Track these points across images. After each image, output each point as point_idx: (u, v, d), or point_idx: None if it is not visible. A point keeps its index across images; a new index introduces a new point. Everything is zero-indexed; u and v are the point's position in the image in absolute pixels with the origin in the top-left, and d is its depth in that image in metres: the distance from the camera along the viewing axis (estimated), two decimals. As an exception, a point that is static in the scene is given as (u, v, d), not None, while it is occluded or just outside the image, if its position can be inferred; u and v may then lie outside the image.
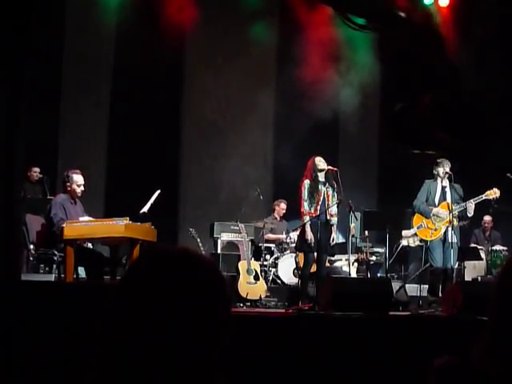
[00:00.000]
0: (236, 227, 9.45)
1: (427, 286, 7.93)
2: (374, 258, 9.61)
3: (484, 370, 1.47)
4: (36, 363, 4.43)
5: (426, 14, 8.05)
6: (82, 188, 7.09)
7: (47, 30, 8.57)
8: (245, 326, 4.92)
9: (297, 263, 8.90)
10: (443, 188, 7.95)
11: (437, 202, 7.95)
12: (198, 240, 9.43)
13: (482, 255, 9.35)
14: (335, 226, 7.79)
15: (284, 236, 9.77)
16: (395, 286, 7.71)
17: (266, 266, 9.20)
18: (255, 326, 5.16)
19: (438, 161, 7.97)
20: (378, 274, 9.69)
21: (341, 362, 5.05)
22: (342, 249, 8.87)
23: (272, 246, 9.75)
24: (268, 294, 8.44)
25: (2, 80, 5.59)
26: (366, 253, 9.37)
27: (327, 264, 8.34)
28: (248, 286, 8.33)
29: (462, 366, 1.51)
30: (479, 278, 9.28)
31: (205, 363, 1.14)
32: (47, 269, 7.91)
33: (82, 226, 6.68)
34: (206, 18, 10.40)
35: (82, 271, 7.08)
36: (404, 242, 8.85)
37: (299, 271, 8.40)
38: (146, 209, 7.93)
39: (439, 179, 7.95)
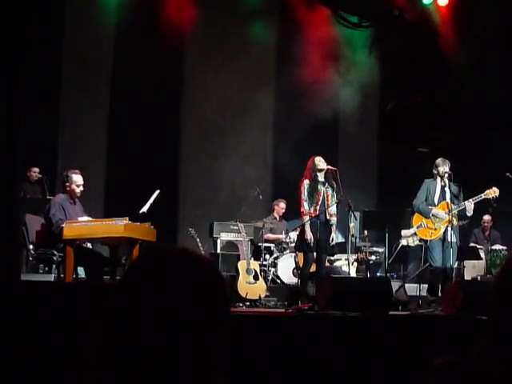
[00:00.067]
0: (235, 227, 9.46)
1: (427, 286, 7.93)
2: (373, 257, 9.61)
3: (484, 370, 1.47)
4: (36, 363, 4.44)
5: (420, 12, 8.06)
6: (82, 188, 7.09)
7: (47, 29, 8.57)
8: (244, 325, 4.93)
9: (296, 263, 8.90)
10: (443, 187, 7.95)
11: (436, 201, 7.95)
12: (198, 240, 9.43)
13: (482, 255, 9.35)
14: (334, 226, 7.79)
15: (283, 236, 9.77)
16: (395, 285, 7.71)
17: (265, 265, 9.21)
18: (255, 326, 5.16)
19: (438, 160, 7.97)
20: (378, 274, 9.69)
21: (340, 361, 5.05)
22: (341, 248, 8.88)
23: (271, 245, 9.75)
24: (267, 294, 8.44)
25: (1, 80, 5.59)
26: (366, 252, 9.37)
27: (327, 264, 8.34)
28: (247, 285, 8.33)
29: (462, 366, 1.51)
30: (479, 278, 9.28)
31: (205, 363, 1.14)
32: (47, 269, 7.91)
33: (82, 226, 6.68)
34: (206, 18, 10.40)
35: (81, 271, 7.08)
36: (403, 242, 8.85)
37: (299, 271, 8.40)
38: (145, 209, 7.93)
39: (439, 179, 7.95)
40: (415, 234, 8.25)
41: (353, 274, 8.95)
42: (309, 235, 7.52)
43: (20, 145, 5.72)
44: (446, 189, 7.89)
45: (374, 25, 8.04)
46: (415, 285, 8.27)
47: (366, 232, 9.62)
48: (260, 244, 9.49)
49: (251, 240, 9.41)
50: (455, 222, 7.81)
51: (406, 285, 8.34)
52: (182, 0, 10.12)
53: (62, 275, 6.73)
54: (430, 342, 5.07)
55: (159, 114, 10.65)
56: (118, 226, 6.56)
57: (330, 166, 7.71)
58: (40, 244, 7.14)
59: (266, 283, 8.73)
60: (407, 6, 7.75)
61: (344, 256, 9.15)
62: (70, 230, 6.51)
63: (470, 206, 7.80)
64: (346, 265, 8.98)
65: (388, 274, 8.60)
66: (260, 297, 8.24)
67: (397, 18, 7.77)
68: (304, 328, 5.26)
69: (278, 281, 9.21)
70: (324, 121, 10.38)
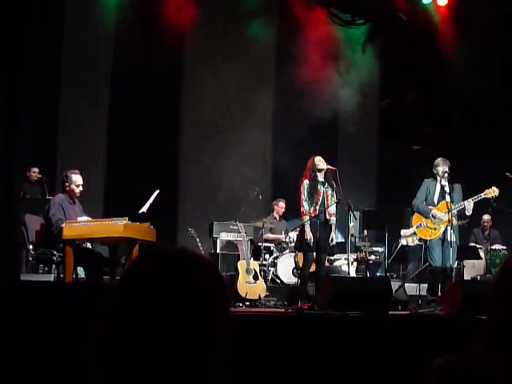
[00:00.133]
0: (235, 227, 9.46)
1: (426, 285, 7.93)
2: (373, 257, 9.61)
3: (483, 369, 1.47)
4: (36, 363, 4.43)
5: (417, 11, 8.06)
6: (81, 188, 7.09)
7: (47, 30, 8.57)
8: (244, 325, 4.92)
9: (296, 263, 8.90)
10: (442, 187, 7.95)
11: (436, 201, 7.95)
12: (197, 240, 9.43)
13: (481, 254, 9.35)
14: (334, 226, 7.78)
15: (283, 236, 9.77)
16: (394, 285, 7.72)
17: (265, 265, 9.21)
18: (254, 326, 5.16)
19: (438, 160, 7.97)
20: (378, 274, 9.70)
21: (340, 361, 5.05)
22: (341, 248, 8.87)
23: (271, 245, 9.75)
24: (267, 294, 8.44)
25: (1, 80, 5.59)
26: (366, 252, 9.37)
27: (326, 263, 8.34)
28: (247, 285, 8.33)
29: (462, 365, 1.51)
30: (478, 277, 9.28)
31: (205, 363, 1.14)
32: (46, 269, 7.91)
33: (81, 226, 6.68)
34: (205, 18, 10.40)
35: (81, 271, 7.08)
36: (403, 242, 8.85)
37: (298, 271, 8.40)
38: (145, 209, 7.93)
39: (438, 178, 7.95)
40: (415, 233, 8.25)
41: (352, 273, 8.95)
42: (308, 235, 7.52)
43: (20, 145, 5.72)
44: (446, 188, 7.89)
45: (367, 22, 8.05)
46: (415, 284, 8.27)
47: (365, 232, 9.62)
48: (260, 244, 9.49)
49: (251, 240, 9.41)
50: (455, 221, 7.81)
51: (406, 284, 8.33)
52: (182, 0, 10.11)
53: (61, 275, 6.73)
54: (429, 341, 5.07)
55: (159, 113, 10.65)
56: (117, 226, 6.56)
57: (329, 166, 7.71)
58: (40, 244, 7.13)
59: (266, 283, 8.73)
60: (404, 5, 7.75)
61: (344, 256, 9.16)
62: (70, 230, 6.51)
63: (469, 205, 7.79)
64: (345, 264, 8.98)
65: (388, 274, 8.60)
66: (260, 297, 8.24)
67: (392, 16, 7.78)
68: (304, 328, 5.26)
69: (278, 281, 9.21)
70: (323, 120, 10.38)
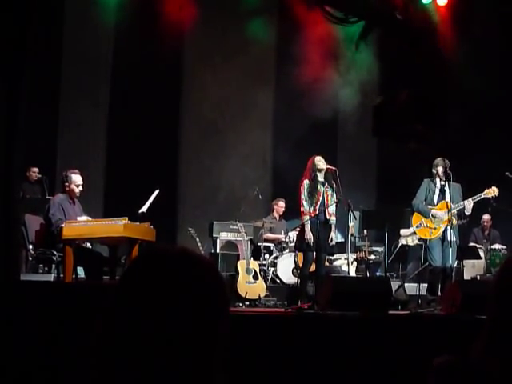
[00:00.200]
0: (235, 227, 9.46)
1: (426, 285, 7.93)
2: (373, 257, 9.62)
3: (483, 369, 1.47)
4: (36, 363, 4.44)
5: (413, 10, 8.05)
6: (81, 188, 7.09)
7: (47, 29, 8.57)
8: (244, 325, 4.92)
9: (296, 262, 8.90)
10: (442, 187, 7.95)
11: (435, 200, 7.95)
12: (197, 239, 9.43)
13: (481, 254, 9.35)
14: (334, 226, 7.78)
15: (283, 235, 9.77)
16: (394, 284, 7.72)
17: (265, 265, 9.21)
18: (254, 326, 5.16)
19: (437, 160, 7.97)
20: (377, 273, 9.70)
21: (340, 361, 5.05)
22: (341, 248, 8.88)
23: (271, 245, 9.75)
24: (267, 294, 8.44)
25: (1, 80, 5.59)
26: (365, 252, 9.37)
27: (326, 263, 8.34)
28: (247, 285, 8.33)
29: (462, 365, 1.51)
30: (478, 277, 9.28)
31: (204, 363, 1.14)
32: (46, 269, 7.91)
33: (81, 225, 6.68)
34: (205, 18, 10.39)
35: (81, 271, 7.08)
36: (402, 241, 8.86)
37: (298, 270, 8.40)
38: (144, 208, 7.92)
39: (438, 178, 7.95)
40: (414, 233, 8.26)
41: (352, 273, 8.95)
42: (308, 235, 7.52)
43: (19, 145, 5.71)
44: (446, 188, 7.89)
45: (360, 20, 8.04)
46: (415, 284, 8.27)
47: (365, 231, 9.62)
48: (259, 244, 9.49)
49: (251, 240, 9.42)
50: (454, 221, 7.81)
51: (406, 284, 8.34)
52: (182, -1, 10.12)
53: (61, 275, 6.73)
54: (429, 341, 5.07)
55: (159, 113, 10.65)
56: (117, 226, 6.56)
57: (329, 166, 7.71)
58: (39, 244, 7.13)
59: (266, 283, 8.73)
60: (401, 4, 7.74)
61: (343, 255, 9.16)
62: (70, 230, 6.51)
63: (469, 205, 7.80)
64: (345, 264, 8.99)
65: (387, 274, 8.60)
66: (260, 296, 8.25)
67: (387, 15, 7.78)
68: (304, 328, 5.26)
69: (278, 280, 9.21)
70: (323, 120, 10.38)
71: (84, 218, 6.99)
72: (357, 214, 8.47)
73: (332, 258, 9.18)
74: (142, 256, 1.23)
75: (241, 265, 8.53)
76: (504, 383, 1.47)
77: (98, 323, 1.16)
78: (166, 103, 10.92)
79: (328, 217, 7.64)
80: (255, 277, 8.45)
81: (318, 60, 10.00)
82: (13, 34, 5.64)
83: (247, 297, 8.21)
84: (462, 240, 8.46)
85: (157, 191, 8.07)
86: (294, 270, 8.96)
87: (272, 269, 9.27)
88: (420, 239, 8.43)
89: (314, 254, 7.57)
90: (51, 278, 7.24)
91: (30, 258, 7.44)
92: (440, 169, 7.89)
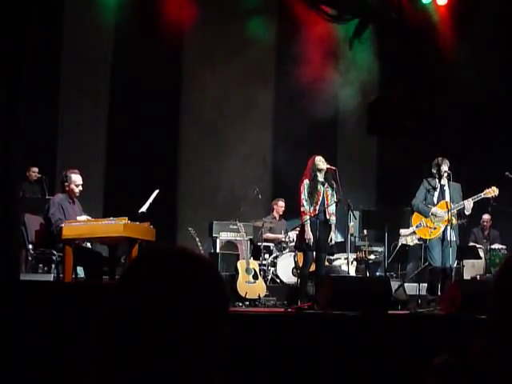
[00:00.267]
0: (235, 226, 9.46)
1: (426, 285, 7.93)
2: (372, 256, 9.61)
3: (483, 369, 1.47)
4: (35, 363, 4.44)
5: (414, 10, 8.06)
6: (81, 188, 7.09)
7: (46, 29, 8.57)
8: (244, 325, 4.92)
9: (296, 262, 8.90)
10: (442, 187, 7.95)
11: (435, 200, 7.95)
12: (197, 239, 9.43)
13: (481, 254, 9.35)
14: (334, 226, 7.78)
15: (283, 235, 9.77)
16: (394, 284, 7.72)
17: (264, 265, 9.21)
18: (254, 326, 5.16)
19: (437, 159, 7.97)
20: (377, 273, 9.70)
21: (340, 360, 5.05)
22: (341, 248, 8.88)
23: (271, 245, 9.75)
24: (267, 294, 8.44)
25: (0, 79, 5.59)
26: (365, 252, 9.37)
27: (326, 263, 8.34)
28: (247, 285, 8.33)
29: (461, 365, 1.51)
30: (478, 277, 9.28)
31: (204, 363, 1.14)
32: (46, 268, 7.91)
33: (81, 225, 6.68)
34: (205, 17, 10.39)
35: (80, 271, 7.08)
36: (402, 241, 8.86)
37: (298, 270, 8.40)
38: (144, 208, 7.92)
39: (438, 178, 7.95)
40: (414, 233, 8.26)
41: (352, 273, 8.95)
42: (308, 235, 7.52)
43: (19, 144, 5.72)
44: (446, 188, 7.89)
45: (354, 18, 8.05)
46: (415, 284, 8.27)
47: (365, 231, 9.62)
48: (259, 243, 9.49)
49: (250, 239, 9.42)
50: (454, 221, 7.81)
51: (406, 284, 8.34)
52: (181, -1, 10.11)
53: (61, 275, 6.73)
54: (429, 341, 5.07)
55: (158, 113, 10.65)
56: (117, 226, 6.56)
57: (329, 166, 7.71)
58: (39, 244, 7.13)
59: (266, 283, 8.73)
60: (399, 3, 7.74)
61: (343, 255, 9.16)
62: (70, 230, 6.51)
63: (469, 204, 7.80)
64: (345, 264, 8.98)
65: (387, 274, 8.60)
66: (259, 296, 8.25)
67: (382, 13, 7.78)
68: (304, 327, 5.26)
69: (278, 280, 9.21)
70: (323, 120, 10.37)
71: (84, 217, 6.99)
72: (357, 213, 8.47)
73: (332, 257, 9.18)
74: (142, 256, 1.23)
75: (241, 265, 8.53)
76: (504, 383, 1.47)
77: (98, 323, 1.15)
78: (166, 103, 10.92)
79: (328, 217, 7.64)
80: (255, 277, 8.45)
81: (318, 60, 10.00)
82: (12, 34, 5.64)
83: (247, 297, 8.21)
84: (461, 240, 8.46)
85: (157, 191, 8.07)
86: (294, 270, 8.96)
87: (272, 269, 9.27)
88: (420, 239, 8.44)
89: (314, 253, 7.57)
90: (51, 277, 7.24)
91: (30, 258, 7.43)
92: (440, 168, 7.89)
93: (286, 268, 9.20)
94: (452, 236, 7.72)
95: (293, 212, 8.99)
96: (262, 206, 10.47)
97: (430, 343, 4.99)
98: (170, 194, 10.25)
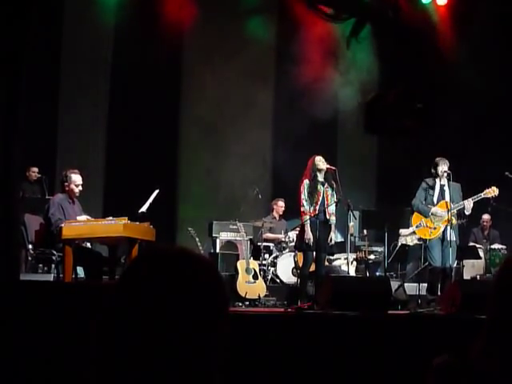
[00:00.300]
0: (235, 226, 9.46)
1: (426, 285, 7.93)
2: (372, 256, 9.61)
3: (483, 369, 1.47)
4: (35, 363, 4.43)
5: (413, 10, 8.06)
6: (80, 188, 7.09)
7: (46, 29, 8.57)
8: (244, 325, 4.92)
9: (296, 262, 8.90)
10: (442, 187, 7.95)
11: (435, 200, 7.95)
12: (197, 239, 9.43)
13: (481, 254, 9.35)
14: (334, 226, 7.78)
15: (283, 235, 9.77)
16: (394, 284, 7.72)
17: (264, 265, 9.21)
18: (254, 326, 5.16)
19: (437, 159, 7.97)
20: (377, 273, 9.69)
21: (340, 361, 5.05)
22: (340, 248, 8.88)
23: (271, 245, 9.75)
24: (267, 294, 8.44)
25: (0, 79, 5.59)
26: (365, 252, 9.37)
27: (326, 263, 8.34)
28: (247, 285, 8.33)
29: (461, 365, 1.51)
30: (478, 277, 9.29)
31: (204, 363, 1.14)
32: (46, 268, 7.91)
33: (81, 225, 6.68)
34: (205, 17, 10.39)
35: (80, 271, 7.08)
36: (402, 241, 8.86)
37: (298, 270, 8.40)
38: (144, 208, 7.92)
39: (438, 178, 7.95)
40: (414, 233, 8.26)
41: (352, 273, 8.95)
42: (308, 235, 7.52)
43: (19, 144, 5.71)
44: (445, 188, 7.89)
45: (352, 17, 8.05)
46: (414, 284, 8.27)
47: (365, 231, 9.63)
48: (259, 243, 9.49)
49: (250, 239, 9.42)
50: (454, 221, 7.81)
51: (406, 284, 8.34)
52: (181, -1, 10.11)
53: (61, 275, 6.73)
54: (429, 341, 5.07)
55: (158, 113, 10.65)
56: (117, 226, 6.56)
57: (329, 166, 7.71)
58: (39, 244, 7.13)
59: (266, 283, 8.73)
60: (396, 2, 7.74)
61: (343, 255, 9.16)
62: (69, 230, 6.50)
63: (469, 204, 7.80)
64: (345, 264, 8.98)
65: (387, 274, 8.60)
66: (259, 296, 8.25)
67: (379, 12, 7.78)
68: (303, 327, 5.26)
69: (278, 280, 9.21)
70: (323, 120, 10.37)
71: (84, 217, 6.99)
72: (356, 213, 8.47)
73: (332, 257, 9.18)
74: (142, 256, 1.23)
75: (240, 265, 8.53)
76: (504, 383, 1.47)
77: (98, 323, 1.15)
78: (166, 103, 10.91)
79: (328, 217, 7.64)
80: (255, 277, 8.45)
81: (318, 59, 10.00)
82: (12, 34, 5.63)
83: (247, 297, 8.21)
84: (461, 240, 8.46)
85: (157, 191, 8.07)
86: (294, 270, 8.96)
87: (272, 269, 9.27)
88: (420, 239, 8.43)
89: (314, 253, 7.57)
90: (51, 277, 7.24)
91: (30, 258, 7.43)
92: (440, 168, 7.89)
93: (285, 268, 9.20)
94: (452, 236, 7.72)
95: (293, 212, 8.99)
96: (262, 206, 10.47)
97: (430, 343, 4.99)
98: (169, 193, 10.25)
